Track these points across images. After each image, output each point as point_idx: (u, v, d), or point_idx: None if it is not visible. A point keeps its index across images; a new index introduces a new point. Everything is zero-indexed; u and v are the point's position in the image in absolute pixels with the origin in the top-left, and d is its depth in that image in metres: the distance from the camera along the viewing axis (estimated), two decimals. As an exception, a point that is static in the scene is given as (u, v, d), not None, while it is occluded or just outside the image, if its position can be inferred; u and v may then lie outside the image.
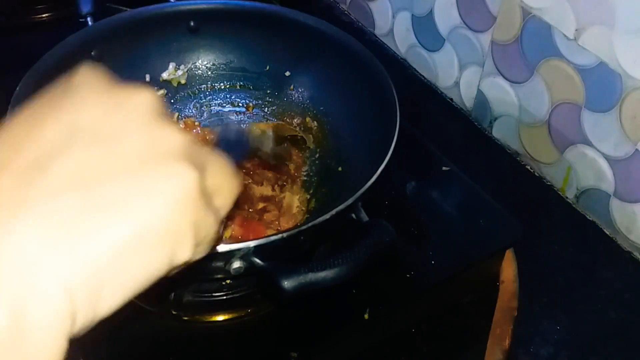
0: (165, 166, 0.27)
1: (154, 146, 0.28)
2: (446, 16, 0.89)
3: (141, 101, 0.29)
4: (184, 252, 0.28)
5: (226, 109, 0.79)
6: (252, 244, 0.49)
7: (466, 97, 0.91)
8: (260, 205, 0.66)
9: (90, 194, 0.25)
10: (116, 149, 0.27)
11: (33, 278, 0.23)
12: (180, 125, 0.74)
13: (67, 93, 0.29)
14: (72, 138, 0.26)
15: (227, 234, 0.63)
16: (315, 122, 0.75)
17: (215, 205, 0.30)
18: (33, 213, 0.24)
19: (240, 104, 0.79)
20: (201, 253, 0.31)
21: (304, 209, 0.68)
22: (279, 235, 0.50)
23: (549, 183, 0.82)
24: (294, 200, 0.68)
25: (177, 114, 0.77)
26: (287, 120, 0.76)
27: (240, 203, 0.65)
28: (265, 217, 0.66)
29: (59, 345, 0.25)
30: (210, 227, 0.30)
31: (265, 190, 0.68)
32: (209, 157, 0.30)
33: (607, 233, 0.76)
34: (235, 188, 0.32)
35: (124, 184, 0.26)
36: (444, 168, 0.75)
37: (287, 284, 0.48)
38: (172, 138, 0.28)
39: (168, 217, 0.27)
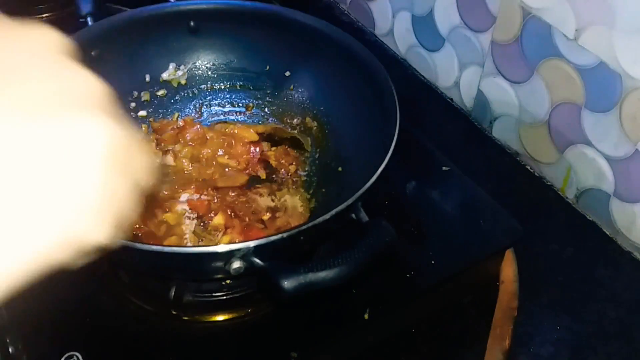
0: (76, 115, 0.21)
1: (60, 90, 0.22)
2: (446, 16, 0.89)
3: (47, 37, 0.24)
4: (98, 232, 0.22)
5: (226, 109, 0.79)
6: (252, 244, 0.49)
7: (466, 97, 0.91)
8: (267, 216, 0.66)
9: None
10: (19, 91, 0.21)
11: None
12: (180, 123, 0.73)
13: None
14: None
15: (226, 239, 0.63)
16: (315, 122, 0.75)
17: (133, 177, 0.24)
18: None
19: (240, 104, 0.79)
20: (117, 236, 0.24)
21: (308, 207, 0.68)
22: (279, 235, 0.50)
23: (549, 183, 0.82)
24: (297, 201, 0.69)
25: (177, 113, 0.77)
26: (287, 120, 0.76)
27: (243, 214, 0.66)
28: (277, 223, 0.66)
29: None
30: (129, 202, 0.24)
31: (267, 201, 0.68)
32: (124, 120, 0.24)
33: (607, 233, 0.76)
34: (150, 162, 0.26)
35: (15, 135, 0.20)
36: (444, 168, 0.75)
37: (287, 284, 0.48)
38: (84, 82, 0.23)
39: (72, 183, 0.21)
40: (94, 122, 0.21)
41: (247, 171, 0.71)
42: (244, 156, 0.72)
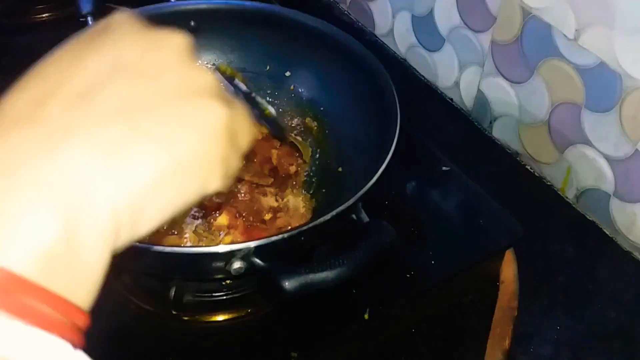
0: (201, 102, 0.30)
1: (189, 83, 0.30)
2: (446, 16, 0.89)
3: (175, 42, 0.31)
4: (215, 182, 0.31)
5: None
6: (252, 244, 0.49)
7: (466, 97, 0.91)
8: (269, 216, 0.66)
9: (133, 124, 0.27)
10: (156, 84, 0.29)
11: (85, 196, 0.25)
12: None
13: (106, 32, 0.31)
14: (115, 72, 0.28)
15: (228, 239, 0.63)
16: (315, 122, 0.75)
17: (239, 145, 0.33)
18: (83, 138, 0.26)
19: (240, 104, 0.78)
20: (223, 186, 0.32)
21: (310, 208, 0.68)
22: (280, 236, 0.50)
23: (549, 183, 0.82)
24: (299, 202, 0.68)
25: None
26: (287, 120, 0.76)
27: (247, 214, 0.65)
28: (277, 223, 0.66)
29: (105, 258, 0.27)
30: (235, 163, 0.32)
31: (271, 201, 0.68)
32: (232, 101, 0.32)
33: (607, 233, 0.76)
34: (251, 131, 0.34)
35: (163, 116, 0.28)
36: (444, 168, 0.75)
37: (287, 284, 0.48)
38: (205, 77, 0.31)
39: (202, 149, 0.29)
40: (214, 104, 0.30)
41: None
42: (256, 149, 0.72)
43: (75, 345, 0.25)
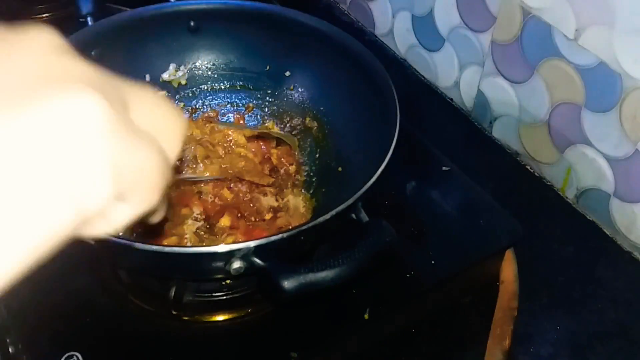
0: (62, 90, 0.22)
1: (49, 73, 0.23)
2: (446, 16, 0.89)
3: (39, 35, 0.24)
4: (97, 193, 0.22)
5: (226, 109, 0.79)
6: (252, 244, 0.49)
7: (466, 97, 0.91)
8: (269, 215, 0.66)
9: None
10: (2, 74, 0.22)
11: None
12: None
13: None
14: None
15: (230, 240, 0.63)
16: (315, 122, 0.75)
17: (151, 143, 0.25)
18: None
19: (240, 104, 0.79)
20: (144, 201, 0.25)
21: (310, 208, 0.68)
22: (279, 236, 0.50)
23: (549, 183, 0.82)
24: (299, 201, 0.69)
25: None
26: (287, 120, 0.76)
27: (249, 215, 0.65)
28: (277, 223, 0.66)
29: None
30: (143, 167, 0.24)
31: (271, 201, 0.68)
32: (132, 92, 0.25)
33: (607, 233, 0.76)
34: (181, 128, 0.27)
35: (9, 118, 0.21)
36: (444, 168, 0.75)
37: (287, 284, 0.48)
38: (73, 67, 0.24)
39: (63, 149, 0.21)
40: (79, 94, 0.22)
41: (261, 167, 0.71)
42: (255, 149, 0.72)
43: None
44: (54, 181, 0.21)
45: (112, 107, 0.23)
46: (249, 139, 0.74)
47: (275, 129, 0.76)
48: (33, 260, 0.21)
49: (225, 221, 0.65)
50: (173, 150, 0.27)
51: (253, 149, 0.73)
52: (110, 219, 0.24)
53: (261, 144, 0.73)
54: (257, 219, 0.66)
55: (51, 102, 0.21)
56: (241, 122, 0.77)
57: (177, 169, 0.67)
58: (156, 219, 0.27)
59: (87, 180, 0.22)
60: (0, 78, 0.22)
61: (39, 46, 0.24)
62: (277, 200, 0.68)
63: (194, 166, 0.69)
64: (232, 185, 0.68)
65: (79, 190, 0.22)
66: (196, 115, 0.78)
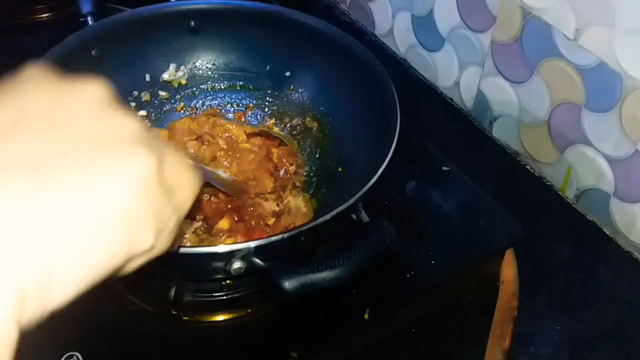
0: (123, 148, 0.26)
1: (107, 132, 0.26)
2: (446, 16, 0.89)
3: (92, 90, 0.28)
4: (145, 239, 0.27)
5: (226, 109, 0.79)
6: (252, 244, 0.49)
7: (466, 97, 0.91)
8: (272, 220, 0.66)
9: (40, 176, 0.24)
10: (68, 132, 0.25)
11: None
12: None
13: (14, 85, 0.27)
14: (19, 121, 0.25)
15: (229, 241, 0.63)
16: (315, 122, 0.75)
17: (175, 200, 0.29)
18: None
19: (240, 104, 0.79)
20: (162, 246, 0.29)
21: (311, 208, 0.68)
22: (279, 236, 0.50)
23: (549, 183, 0.82)
24: (299, 201, 0.68)
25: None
26: (287, 120, 0.76)
27: (249, 218, 0.65)
28: (282, 222, 0.65)
29: (9, 333, 0.23)
30: (169, 217, 0.29)
31: (272, 205, 0.68)
32: (166, 150, 0.29)
33: (607, 233, 0.76)
34: (195, 186, 0.31)
35: (76, 166, 0.25)
36: (444, 168, 0.75)
37: (287, 284, 0.48)
38: (127, 123, 0.27)
39: (125, 201, 0.26)
40: (138, 149, 0.27)
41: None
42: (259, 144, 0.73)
43: None
44: (118, 227, 0.26)
45: (158, 163, 0.27)
46: (249, 135, 0.74)
47: (275, 129, 0.76)
48: (89, 285, 0.26)
49: (223, 224, 0.64)
50: (187, 200, 0.31)
51: (257, 144, 0.73)
52: (135, 261, 0.28)
53: (265, 140, 0.73)
54: (260, 224, 0.65)
55: (113, 156, 0.26)
56: (242, 119, 0.77)
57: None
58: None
59: (140, 227, 0.27)
60: (65, 134, 0.25)
61: (92, 102, 0.27)
62: (277, 205, 0.68)
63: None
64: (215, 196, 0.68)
65: (133, 235, 0.26)
66: (196, 114, 0.78)
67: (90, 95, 0.28)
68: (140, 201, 0.26)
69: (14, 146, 0.24)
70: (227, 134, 0.73)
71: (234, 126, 0.74)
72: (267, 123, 0.77)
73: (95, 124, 0.26)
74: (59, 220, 0.24)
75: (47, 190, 0.24)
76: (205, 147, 0.71)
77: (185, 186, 0.30)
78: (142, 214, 0.26)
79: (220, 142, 0.72)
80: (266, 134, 0.75)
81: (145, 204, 0.26)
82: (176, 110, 0.77)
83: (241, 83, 0.79)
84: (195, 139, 0.72)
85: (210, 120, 0.74)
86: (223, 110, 0.78)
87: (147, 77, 0.76)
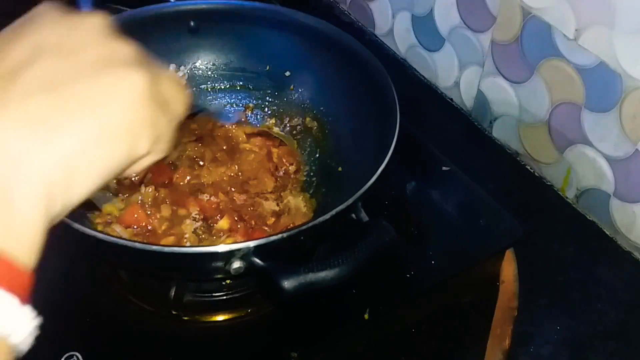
0: (121, 71, 0.31)
1: (109, 56, 0.32)
2: (446, 16, 0.89)
3: (95, 22, 0.33)
4: (142, 145, 0.32)
5: (226, 109, 0.79)
6: (252, 244, 0.49)
7: (466, 97, 0.91)
8: (272, 220, 0.65)
9: (57, 96, 0.29)
10: (77, 58, 0.31)
11: (17, 166, 0.27)
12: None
13: (29, 22, 0.33)
14: (37, 52, 0.30)
15: (229, 241, 0.63)
16: (315, 122, 0.75)
17: (170, 110, 0.34)
18: (10, 114, 0.28)
19: (240, 104, 0.79)
20: (160, 152, 0.34)
21: (311, 208, 0.68)
22: (279, 236, 0.50)
23: (549, 183, 0.82)
24: (299, 201, 0.68)
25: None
26: (287, 120, 0.76)
27: (249, 218, 0.65)
28: (282, 222, 0.65)
29: (41, 222, 0.28)
30: (165, 127, 0.34)
31: (272, 205, 0.68)
32: (160, 70, 0.34)
33: (607, 233, 0.76)
34: (186, 97, 0.36)
35: (86, 86, 0.30)
36: (444, 168, 0.75)
37: (287, 284, 0.48)
38: (125, 49, 0.33)
39: (125, 114, 0.31)
40: (134, 70, 0.32)
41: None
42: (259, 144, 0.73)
43: (22, 301, 0.27)
44: (121, 134, 0.31)
45: (152, 81, 0.32)
46: (249, 136, 0.74)
47: (276, 130, 0.76)
48: (100, 182, 0.31)
49: (223, 224, 0.64)
50: (180, 113, 0.36)
51: (257, 144, 0.73)
52: (139, 164, 0.34)
53: (265, 140, 0.73)
54: (260, 224, 0.65)
55: (114, 75, 0.31)
56: (242, 119, 0.77)
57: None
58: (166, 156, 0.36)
59: (139, 134, 0.32)
60: (75, 60, 0.31)
61: (96, 31, 0.33)
62: (277, 205, 0.68)
63: (199, 168, 0.69)
64: (233, 193, 0.68)
65: (134, 140, 0.31)
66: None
67: (94, 26, 0.33)
68: (137, 112, 0.31)
69: (36, 73, 0.29)
70: (229, 134, 0.73)
71: (233, 127, 0.74)
72: (267, 123, 0.77)
73: (99, 50, 0.32)
74: (73, 128, 0.29)
75: (62, 105, 0.29)
76: (205, 147, 0.71)
77: (177, 99, 0.35)
78: (139, 123, 0.32)
79: (220, 142, 0.72)
80: (266, 134, 0.75)
81: (141, 115, 0.32)
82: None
83: (241, 83, 0.79)
84: (195, 140, 0.72)
85: (209, 124, 0.74)
86: (223, 110, 0.78)
87: (147, 77, 0.76)
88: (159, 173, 0.66)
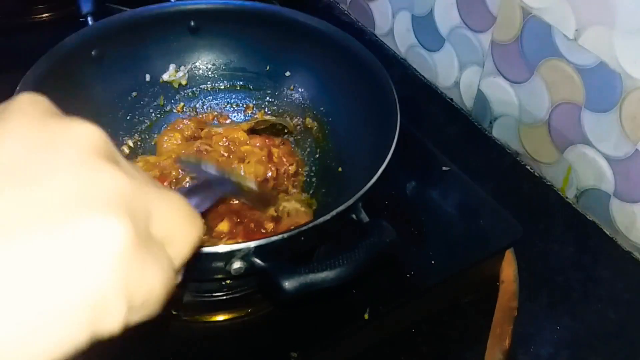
0: (91, 219, 0.23)
1: (82, 191, 0.23)
2: (446, 16, 0.89)
3: (78, 136, 0.24)
4: (112, 320, 0.24)
5: (226, 110, 0.79)
6: (252, 244, 0.49)
7: (466, 97, 0.91)
8: (270, 226, 0.65)
9: None
10: (36, 193, 0.22)
11: None
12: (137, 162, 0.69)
13: None
14: None
15: (229, 242, 0.63)
16: (315, 122, 0.75)
17: (166, 256, 0.26)
18: None
19: (240, 104, 0.79)
20: (147, 312, 0.26)
21: (311, 208, 0.68)
22: (279, 236, 0.50)
23: (549, 183, 0.82)
24: (294, 204, 0.68)
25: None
26: (287, 120, 0.76)
27: (248, 221, 0.65)
28: (283, 223, 0.65)
29: None
30: (155, 281, 0.25)
31: (270, 210, 0.67)
32: (157, 200, 0.26)
33: (607, 233, 0.76)
34: (194, 232, 0.28)
35: (40, 236, 0.22)
36: (444, 168, 0.75)
37: (287, 284, 0.48)
38: (107, 181, 0.24)
39: (88, 283, 0.22)
40: (112, 218, 0.23)
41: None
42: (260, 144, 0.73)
43: None
44: (79, 310, 0.22)
45: (135, 225, 0.24)
46: (249, 135, 0.74)
47: (266, 117, 0.76)
48: None
49: (223, 226, 0.64)
50: (182, 255, 0.28)
51: (257, 144, 0.73)
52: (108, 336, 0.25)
53: (265, 140, 0.73)
54: (258, 227, 0.65)
55: (79, 226, 0.22)
56: (249, 112, 0.77)
57: None
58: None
59: (105, 310, 0.23)
60: (34, 195, 0.22)
61: (75, 152, 0.24)
62: (275, 211, 0.68)
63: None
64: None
65: (97, 317, 0.23)
66: (196, 114, 0.78)
67: (75, 143, 0.24)
68: (105, 282, 0.23)
69: None
70: (224, 139, 0.73)
71: (228, 130, 0.74)
72: (256, 115, 0.77)
73: (71, 182, 0.23)
74: (8, 299, 0.21)
75: None
76: (205, 154, 0.71)
77: (179, 237, 0.27)
78: (107, 295, 0.23)
79: (220, 149, 0.72)
80: (262, 130, 0.75)
81: (112, 283, 0.23)
82: (176, 111, 0.77)
83: (241, 83, 0.79)
84: (196, 151, 0.71)
85: (202, 131, 0.74)
86: (223, 111, 0.78)
87: (147, 77, 0.76)
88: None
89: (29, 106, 0.25)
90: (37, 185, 0.23)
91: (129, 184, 0.24)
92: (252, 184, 0.65)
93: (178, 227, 0.27)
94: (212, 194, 0.54)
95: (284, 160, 0.72)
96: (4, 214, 0.22)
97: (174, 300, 0.59)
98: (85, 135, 0.24)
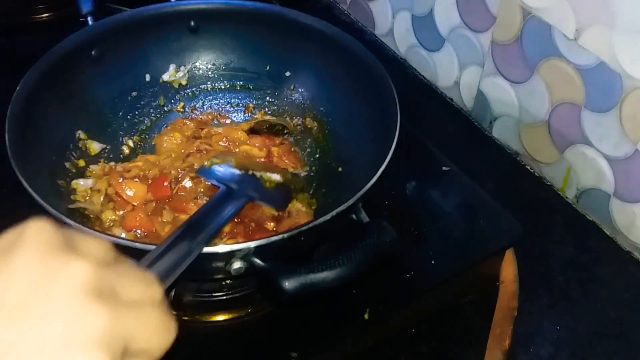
0: (74, 358, 0.25)
1: (68, 330, 0.25)
2: (446, 16, 0.89)
3: (71, 275, 0.26)
4: None
5: (226, 110, 0.79)
6: (252, 244, 0.49)
7: (466, 97, 0.91)
8: (272, 225, 0.65)
9: None
10: (30, 329, 0.25)
11: None
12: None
13: (6, 252, 0.27)
14: None
15: (229, 242, 0.63)
16: (315, 122, 0.75)
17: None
18: None
19: (240, 104, 0.79)
20: None
21: (311, 208, 0.68)
22: (279, 236, 0.50)
23: (549, 183, 0.82)
24: (297, 203, 0.68)
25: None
26: (287, 120, 0.76)
27: (248, 221, 0.65)
28: (284, 223, 0.65)
29: None
30: None
31: (271, 209, 0.67)
32: (135, 324, 0.28)
33: (607, 233, 0.76)
34: (168, 338, 0.32)
35: None
36: (444, 168, 0.75)
37: (287, 284, 0.48)
38: (91, 320, 0.26)
39: None
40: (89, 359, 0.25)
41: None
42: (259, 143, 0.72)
43: None
44: None
45: (113, 356, 0.26)
46: (249, 135, 0.74)
47: (266, 117, 0.76)
48: None
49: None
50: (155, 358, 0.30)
51: (257, 144, 0.73)
52: None
53: (265, 140, 0.73)
54: (258, 226, 0.65)
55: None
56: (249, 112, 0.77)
57: None
58: None
59: None
60: (22, 325, 0.25)
61: (76, 284, 0.26)
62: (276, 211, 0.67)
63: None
64: None
65: None
66: (196, 114, 0.78)
67: (66, 283, 0.26)
68: None
69: None
70: (224, 139, 0.73)
71: (228, 130, 0.74)
72: (256, 115, 0.77)
73: (60, 322, 0.25)
74: None
75: None
76: (205, 154, 0.71)
77: (155, 347, 0.30)
78: None
79: (220, 149, 0.71)
80: (262, 130, 0.74)
81: None
82: (176, 111, 0.78)
83: (241, 83, 0.79)
84: (196, 151, 0.71)
85: (202, 131, 0.74)
86: (223, 111, 0.78)
87: (147, 77, 0.76)
88: (157, 190, 0.66)
89: (35, 240, 0.27)
90: (31, 322, 0.25)
91: (109, 320, 0.26)
92: (275, 176, 0.66)
93: (153, 340, 0.30)
94: (235, 204, 0.57)
95: (284, 160, 0.72)
96: (9, 349, 0.24)
97: (174, 301, 0.59)
98: (78, 274, 0.26)
